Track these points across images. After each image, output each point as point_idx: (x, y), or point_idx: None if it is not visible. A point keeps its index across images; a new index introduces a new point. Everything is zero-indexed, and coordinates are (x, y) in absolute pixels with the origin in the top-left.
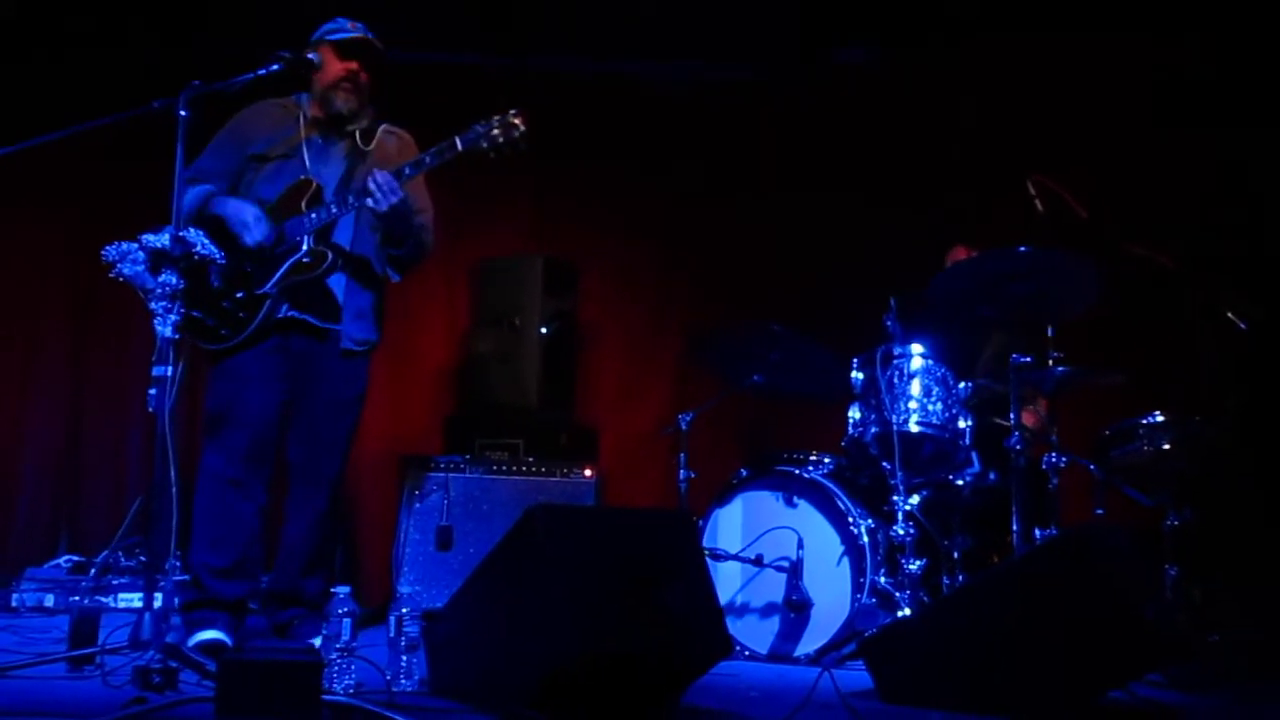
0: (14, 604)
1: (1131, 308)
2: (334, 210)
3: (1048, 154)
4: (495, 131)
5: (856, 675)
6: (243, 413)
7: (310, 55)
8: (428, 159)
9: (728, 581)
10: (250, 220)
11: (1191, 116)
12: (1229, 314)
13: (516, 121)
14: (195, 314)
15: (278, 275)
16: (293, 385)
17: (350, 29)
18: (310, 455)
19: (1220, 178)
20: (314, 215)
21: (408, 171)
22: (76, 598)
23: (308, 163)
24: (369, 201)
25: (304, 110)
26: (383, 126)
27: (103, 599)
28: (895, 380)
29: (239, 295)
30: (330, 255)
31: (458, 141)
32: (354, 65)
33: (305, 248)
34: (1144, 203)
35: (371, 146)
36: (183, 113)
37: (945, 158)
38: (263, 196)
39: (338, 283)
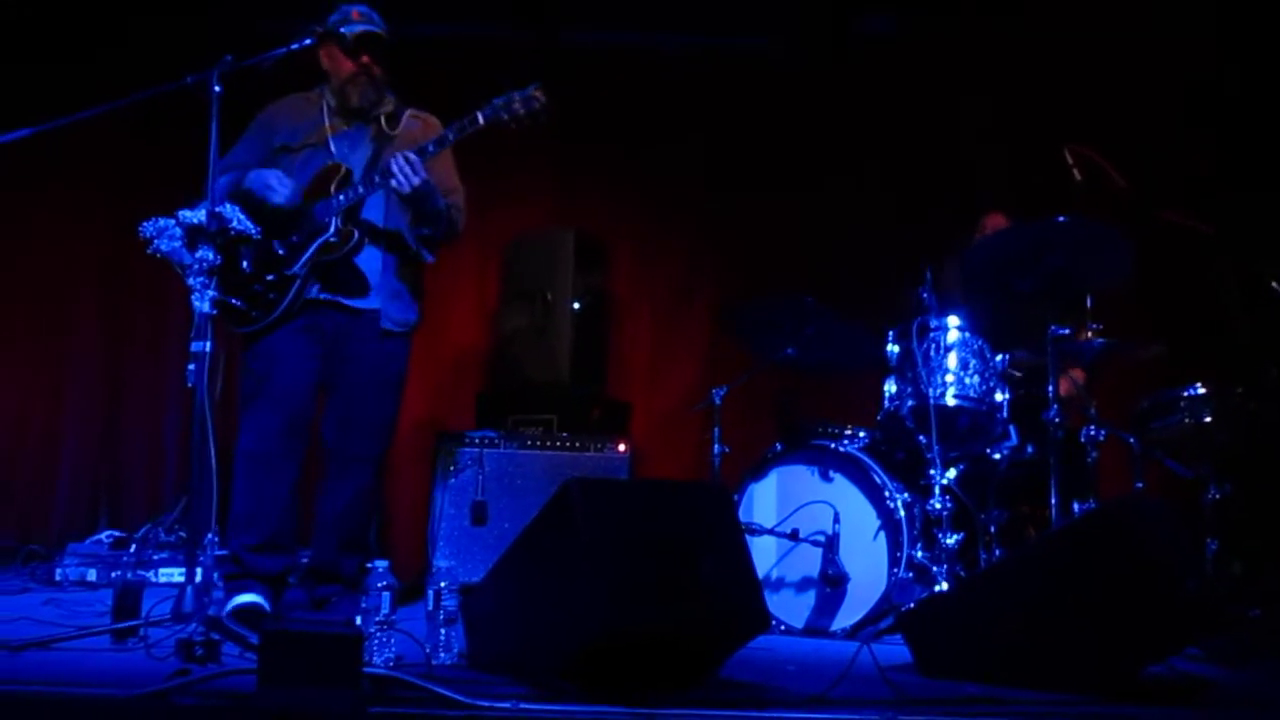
0: (57, 578)
1: (1171, 277)
2: (360, 190)
3: (1083, 122)
4: (516, 104)
5: (894, 649)
6: (274, 391)
7: (343, 30)
8: (450, 134)
9: (763, 556)
10: (274, 182)
11: (1228, 83)
12: (1272, 283)
13: (537, 94)
14: (227, 298)
15: (306, 255)
16: (326, 365)
17: (355, 20)
18: (346, 435)
19: (1260, 145)
20: (341, 197)
21: (431, 149)
22: (118, 572)
23: (334, 150)
24: (393, 183)
25: (327, 100)
26: (408, 111)
27: (144, 573)
28: (931, 353)
29: (269, 278)
30: (356, 234)
31: (479, 116)
32: (365, 59)
33: (333, 228)
34: (1181, 171)
35: (398, 130)
36: (216, 88)
37: (978, 127)
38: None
39: (371, 263)
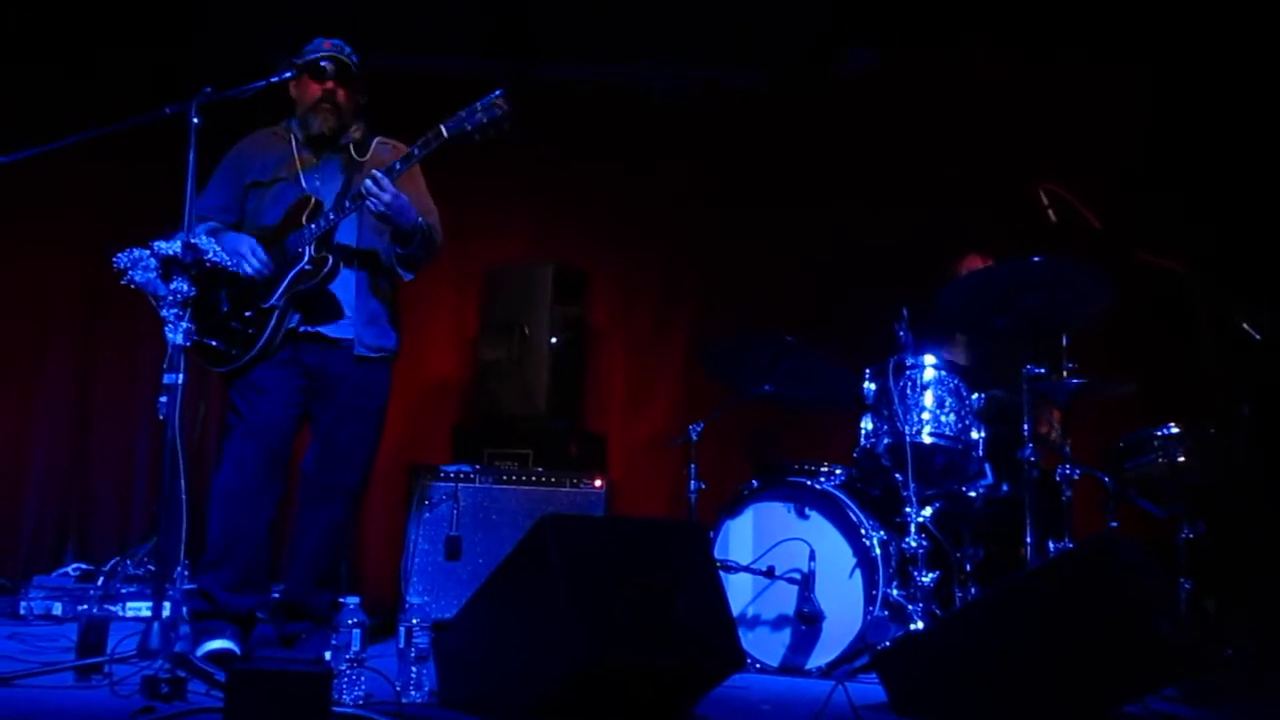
0: (21, 611)
1: (1145, 317)
2: (332, 218)
3: (1059, 160)
4: (479, 114)
5: (869, 688)
6: (255, 426)
7: (324, 63)
8: (415, 151)
9: (738, 593)
10: (246, 251)
11: (1195, 123)
12: (1244, 324)
13: (500, 102)
14: (205, 340)
15: (282, 286)
16: (308, 398)
17: (325, 49)
18: (324, 466)
19: (1232, 184)
20: (313, 226)
21: (398, 167)
22: (84, 606)
23: (305, 182)
24: (367, 204)
25: (295, 134)
26: (376, 139)
27: (111, 607)
28: (908, 391)
29: (247, 314)
30: (331, 259)
31: (443, 129)
32: (329, 85)
33: (307, 256)
34: (1157, 210)
35: (366, 157)
36: (194, 119)
37: (956, 165)
38: (266, 222)
39: (346, 289)
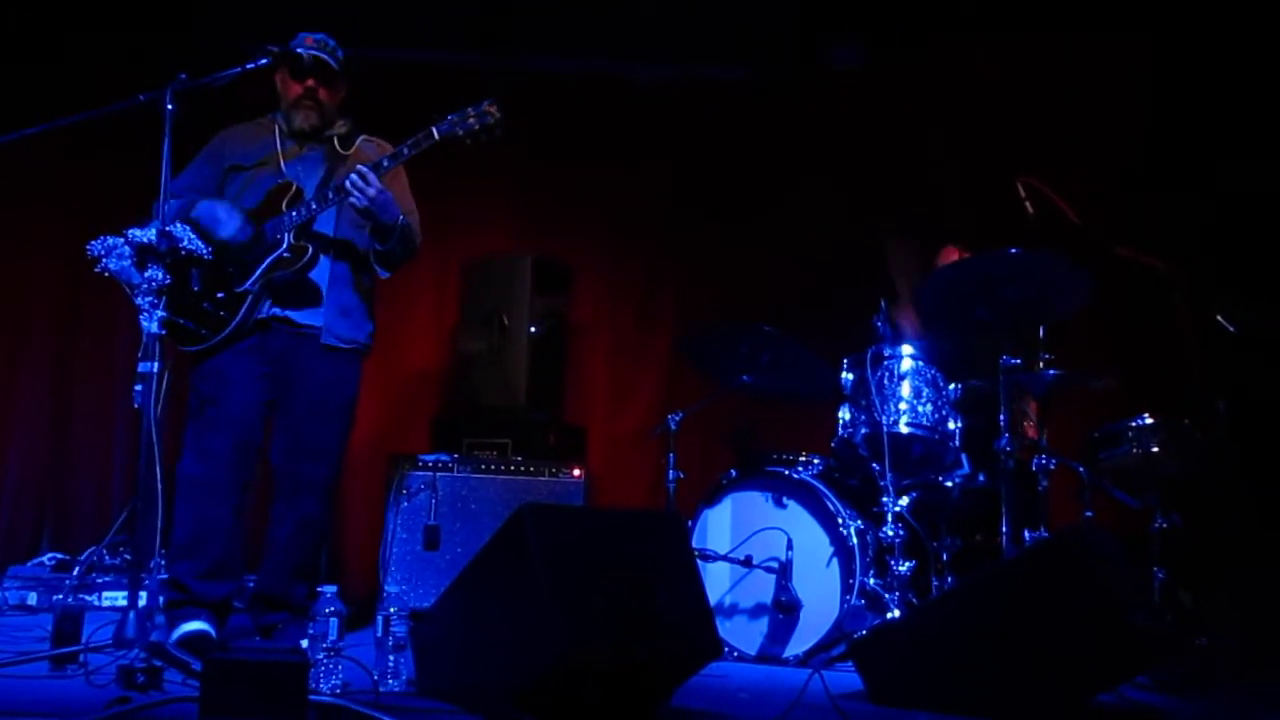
0: None
1: (1121, 310)
2: (314, 207)
3: (1041, 155)
4: (471, 120)
5: (845, 677)
6: (222, 414)
7: (299, 50)
8: (404, 150)
9: (716, 582)
10: (222, 215)
11: (1184, 118)
12: (1218, 317)
13: (491, 109)
14: (175, 318)
15: (258, 271)
16: (274, 386)
17: (307, 46)
18: (293, 460)
19: (1211, 177)
20: (294, 213)
21: (385, 164)
22: (60, 596)
23: (286, 169)
24: (351, 199)
25: (280, 125)
26: (361, 136)
27: (86, 597)
28: (885, 381)
29: (219, 295)
30: (311, 249)
31: (434, 131)
32: (310, 83)
33: (286, 243)
34: (1135, 204)
35: (351, 151)
36: (169, 106)
37: (937, 159)
38: (245, 205)
39: (321, 276)
